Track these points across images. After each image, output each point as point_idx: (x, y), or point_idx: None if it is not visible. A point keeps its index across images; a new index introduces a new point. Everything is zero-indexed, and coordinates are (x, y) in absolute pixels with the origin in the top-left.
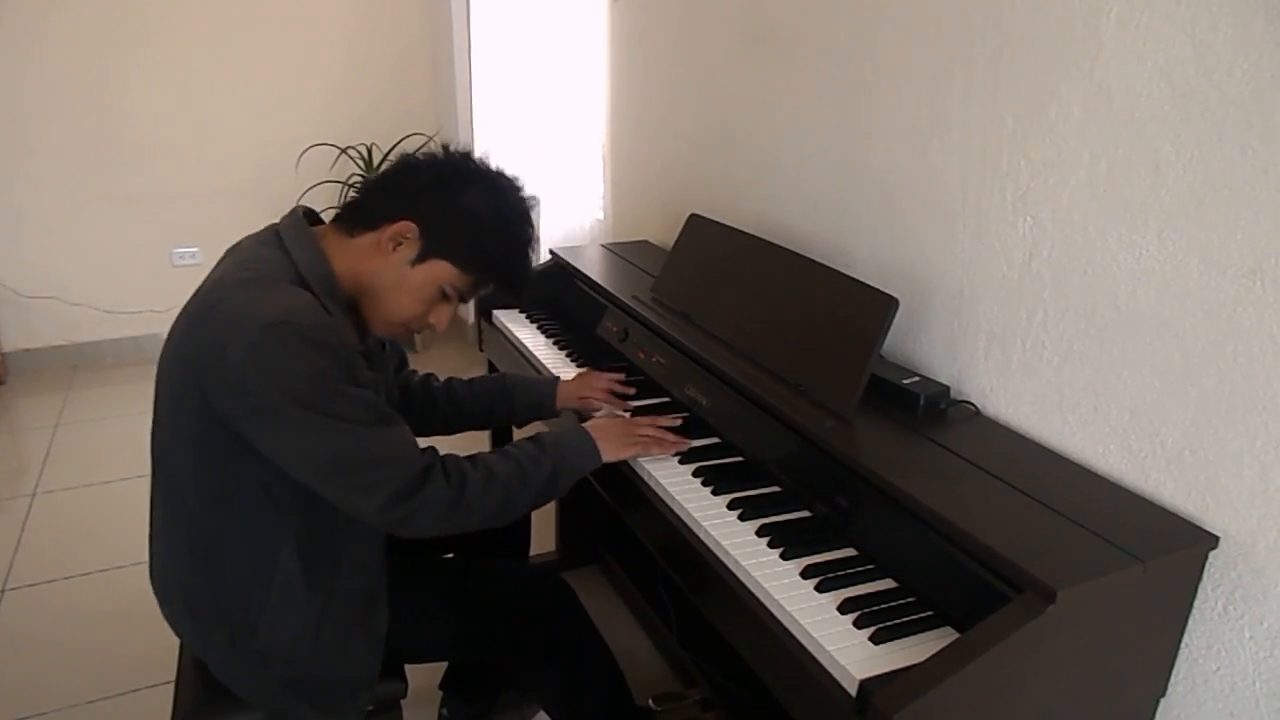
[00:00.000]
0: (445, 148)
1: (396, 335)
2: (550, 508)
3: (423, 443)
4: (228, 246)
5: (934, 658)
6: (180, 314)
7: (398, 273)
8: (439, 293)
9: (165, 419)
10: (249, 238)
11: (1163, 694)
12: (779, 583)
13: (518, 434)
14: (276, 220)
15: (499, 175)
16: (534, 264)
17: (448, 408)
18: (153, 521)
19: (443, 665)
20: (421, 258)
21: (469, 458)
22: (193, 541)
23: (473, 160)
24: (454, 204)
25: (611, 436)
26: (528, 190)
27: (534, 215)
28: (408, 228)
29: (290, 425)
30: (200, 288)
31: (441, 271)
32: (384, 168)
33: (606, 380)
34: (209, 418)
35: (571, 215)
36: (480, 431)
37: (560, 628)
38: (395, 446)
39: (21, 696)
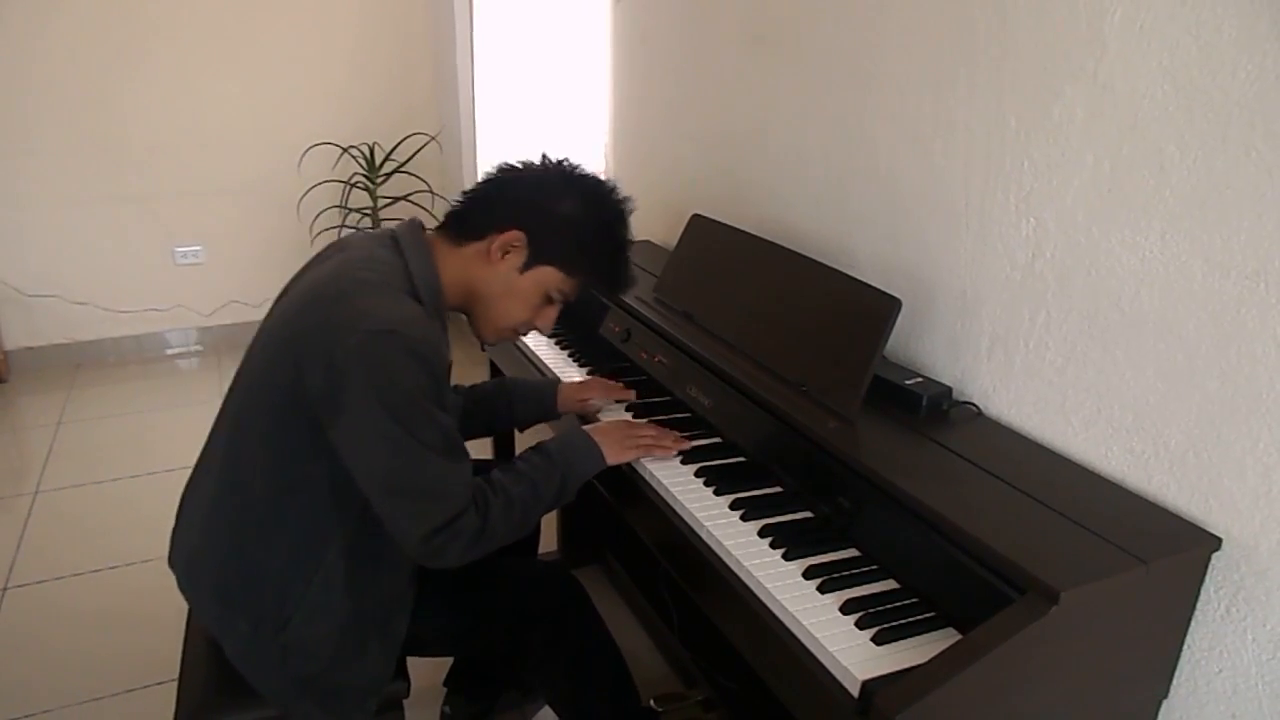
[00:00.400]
0: (544, 156)
1: (503, 339)
2: None
3: None
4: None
5: (936, 659)
6: (288, 301)
7: (506, 280)
8: (546, 297)
9: (244, 402)
10: (360, 236)
11: (1165, 695)
12: (781, 583)
13: (519, 438)
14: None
15: (595, 180)
16: (633, 262)
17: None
18: (189, 502)
19: (446, 663)
20: (529, 265)
21: (485, 480)
22: (240, 528)
23: (570, 167)
24: (557, 212)
25: (613, 440)
26: (621, 193)
27: (629, 217)
28: (516, 236)
29: (367, 421)
30: (310, 276)
31: (548, 277)
32: (485, 178)
33: (606, 381)
34: (292, 404)
35: None
36: (483, 438)
37: (567, 624)
38: (450, 483)
39: (22, 695)
